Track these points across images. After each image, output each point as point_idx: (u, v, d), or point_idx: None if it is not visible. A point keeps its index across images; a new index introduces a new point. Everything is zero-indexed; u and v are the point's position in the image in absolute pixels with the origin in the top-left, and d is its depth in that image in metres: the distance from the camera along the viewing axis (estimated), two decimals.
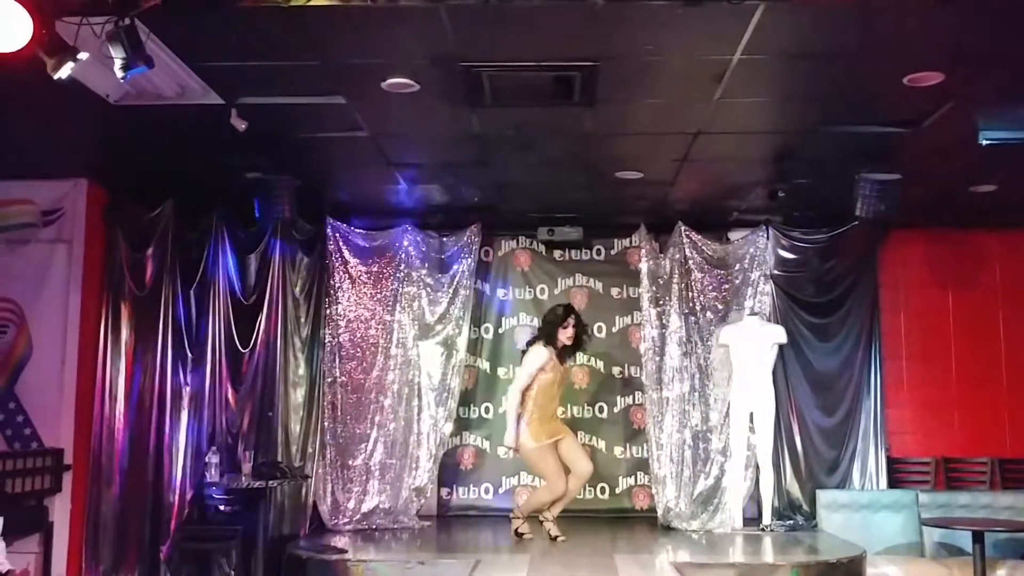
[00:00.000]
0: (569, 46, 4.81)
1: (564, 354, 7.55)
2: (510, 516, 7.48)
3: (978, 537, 6.48)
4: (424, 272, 8.41)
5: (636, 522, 8.41)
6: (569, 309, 7.51)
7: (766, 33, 4.54)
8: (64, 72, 4.02)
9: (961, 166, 6.75)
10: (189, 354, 7.72)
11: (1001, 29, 4.51)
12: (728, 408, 8.00)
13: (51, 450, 6.94)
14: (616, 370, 8.84)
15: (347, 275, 8.29)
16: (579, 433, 8.50)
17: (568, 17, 4.45)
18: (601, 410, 8.66)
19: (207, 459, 7.25)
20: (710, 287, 8.29)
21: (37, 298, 7.11)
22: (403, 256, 8.35)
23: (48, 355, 7.08)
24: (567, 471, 7.28)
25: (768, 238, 8.32)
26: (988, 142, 5.94)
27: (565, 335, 7.38)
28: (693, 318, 8.23)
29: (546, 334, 7.41)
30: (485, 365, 8.85)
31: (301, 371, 8.09)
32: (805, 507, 8.01)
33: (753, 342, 7.86)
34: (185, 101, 5.43)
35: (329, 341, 8.18)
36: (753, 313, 8.07)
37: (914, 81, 5.15)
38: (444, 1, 4.23)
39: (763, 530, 7.68)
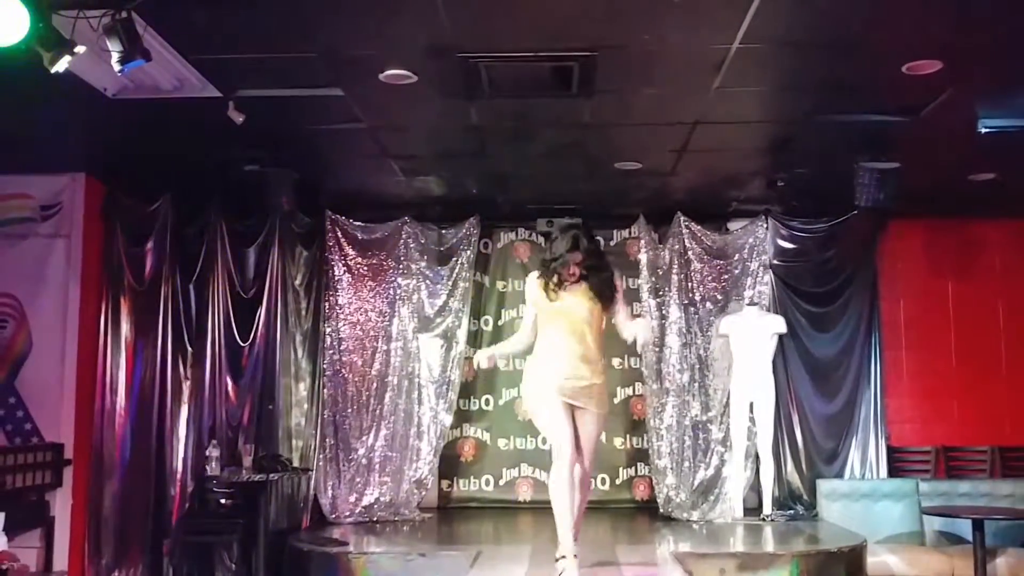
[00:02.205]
0: (567, 36, 4.79)
1: (590, 287, 5.20)
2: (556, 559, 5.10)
3: (978, 525, 6.50)
4: (423, 264, 8.40)
5: (637, 513, 8.42)
6: (573, 242, 5.18)
7: (764, 21, 4.52)
8: (61, 66, 4.01)
9: (960, 154, 6.73)
10: (189, 348, 7.74)
11: (1000, 17, 4.50)
12: (728, 398, 8.00)
13: (51, 445, 6.94)
14: (616, 361, 8.82)
15: (346, 268, 8.30)
16: None
17: (566, 7, 4.44)
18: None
19: (208, 452, 7.25)
20: (709, 277, 8.29)
21: (36, 293, 7.11)
22: (402, 248, 8.35)
23: (48, 350, 7.08)
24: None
25: (767, 228, 8.31)
26: (987, 130, 5.95)
27: (567, 272, 5.16)
28: (692, 308, 8.23)
29: (541, 265, 5.42)
30: None
31: (301, 364, 8.11)
32: (806, 496, 8.03)
33: (753, 332, 7.86)
34: (183, 94, 5.42)
35: (329, 334, 8.19)
36: (752, 303, 8.08)
37: (913, 69, 5.13)
38: None
39: (764, 520, 7.69)
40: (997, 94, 5.61)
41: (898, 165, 6.53)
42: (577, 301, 5.19)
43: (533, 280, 5.33)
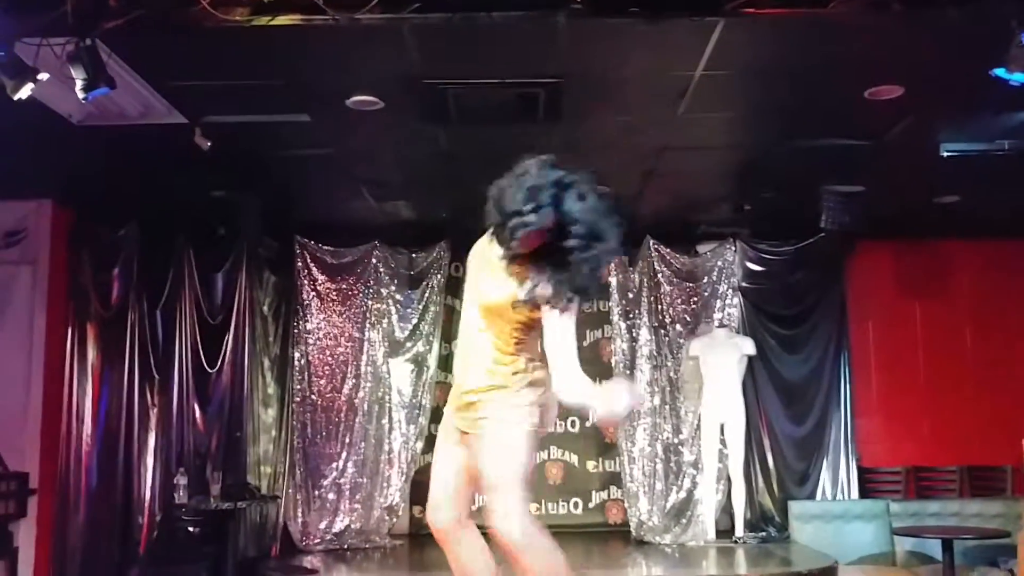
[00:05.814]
0: (532, 63, 4.82)
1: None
2: None
3: (947, 545, 6.52)
4: (393, 289, 8.38)
5: (609, 536, 8.39)
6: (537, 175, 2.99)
7: (727, 49, 4.57)
8: (24, 93, 4.00)
9: (924, 177, 6.81)
10: (156, 375, 7.65)
11: (958, 43, 4.56)
12: (699, 420, 8.02)
13: (16, 474, 6.83)
14: None
15: (315, 293, 8.26)
16: (550, 448, 8.47)
17: (531, 35, 4.47)
18: (573, 424, 8.64)
19: (175, 481, 7.15)
20: (679, 300, 8.33)
21: (1, 320, 7.02)
22: (372, 273, 8.32)
23: (13, 378, 6.99)
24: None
25: (736, 251, 8.37)
26: (949, 154, 6.03)
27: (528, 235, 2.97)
28: (663, 331, 8.25)
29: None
30: None
31: (270, 390, 8.05)
32: (777, 518, 8.03)
33: (722, 354, 7.89)
34: (149, 121, 5.40)
35: (298, 359, 8.13)
36: (722, 325, 8.13)
37: (875, 95, 5.21)
38: (407, 19, 4.23)
39: (736, 542, 7.69)
40: (957, 119, 5.69)
41: (863, 188, 6.61)
42: (503, 281, 3.18)
43: (482, 243, 3.31)
